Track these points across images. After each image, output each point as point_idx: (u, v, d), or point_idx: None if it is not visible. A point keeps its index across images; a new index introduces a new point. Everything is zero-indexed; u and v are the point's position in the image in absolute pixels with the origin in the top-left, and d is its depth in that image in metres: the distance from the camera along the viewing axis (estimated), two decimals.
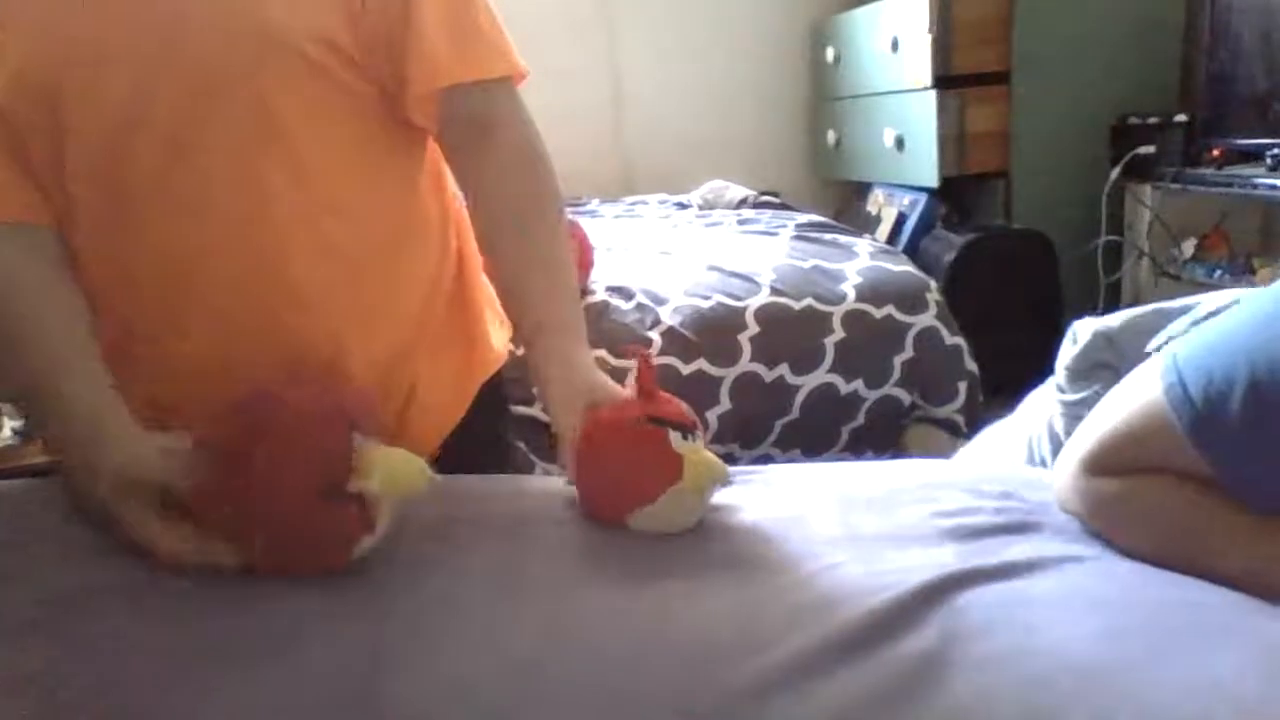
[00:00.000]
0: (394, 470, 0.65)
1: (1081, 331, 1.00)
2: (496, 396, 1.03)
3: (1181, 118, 2.26)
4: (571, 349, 0.78)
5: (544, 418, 1.70)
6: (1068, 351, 1.01)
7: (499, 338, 1.02)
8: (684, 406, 0.71)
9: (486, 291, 1.01)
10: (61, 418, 0.73)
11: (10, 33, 0.73)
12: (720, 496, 0.71)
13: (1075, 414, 1.01)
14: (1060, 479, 0.67)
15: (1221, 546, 0.59)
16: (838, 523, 0.67)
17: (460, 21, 0.82)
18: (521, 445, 1.55)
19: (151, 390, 0.79)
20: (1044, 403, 1.06)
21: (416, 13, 0.79)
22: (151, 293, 0.79)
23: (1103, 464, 0.64)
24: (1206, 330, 0.63)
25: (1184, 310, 0.93)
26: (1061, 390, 1.02)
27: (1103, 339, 0.97)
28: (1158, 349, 0.91)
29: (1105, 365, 0.97)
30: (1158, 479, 0.62)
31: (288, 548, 0.63)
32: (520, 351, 1.71)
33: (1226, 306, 0.88)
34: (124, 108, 0.73)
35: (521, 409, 1.68)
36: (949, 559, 0.60)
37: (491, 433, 1.02)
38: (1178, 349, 0.63)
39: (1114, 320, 0.97)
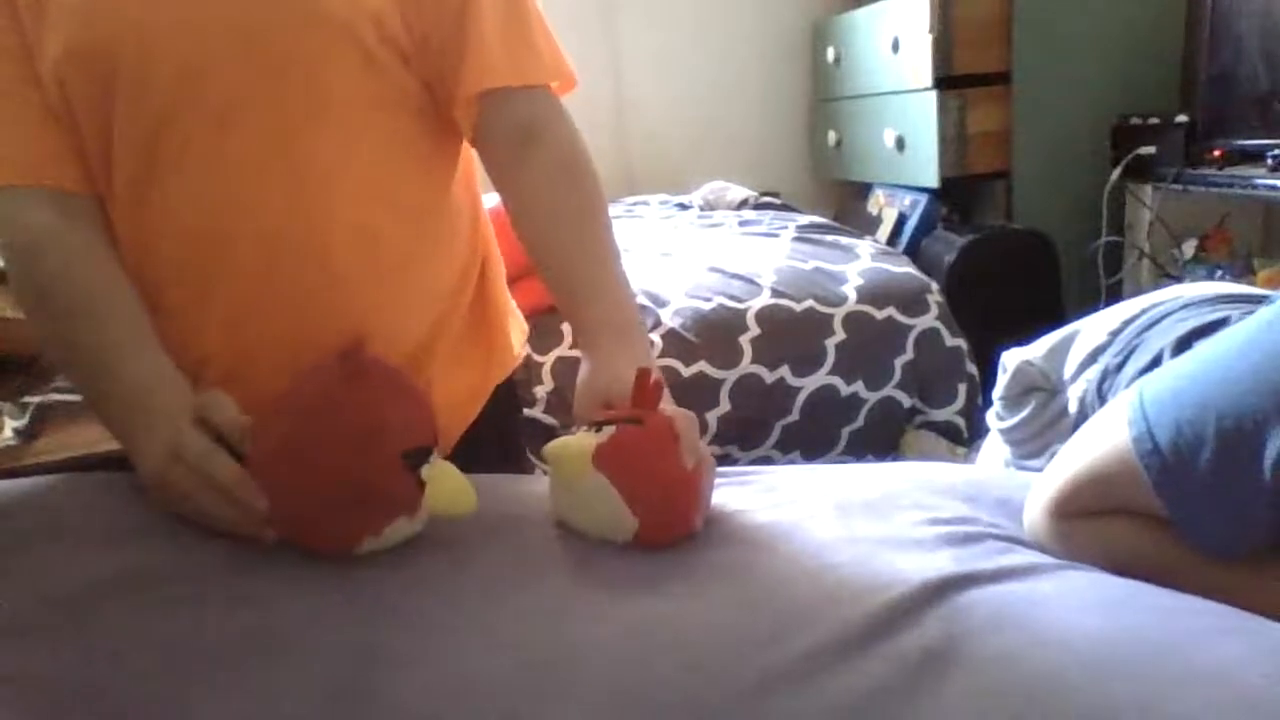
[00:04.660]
0: (452, 484, 0.68)
1: (1009, 362, 1.05)
2: (510, 398, 1.03)
3: (1182, 118, 2.26)
4: (610, 346, 0.77)
5: (545, 419, 1.71)
6: (1000, 381, 1.06)
7: (516, 340, 1.02)
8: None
9: (506, 294, 1.01)
10: (131, 393, 0.73)
11: (63, 9, 0.74)
12: (720, 499, 0.71)
13: (1012, 438, 1.05)
14: (1030, 516, 0.68)
15: (1188, 582, 0.59)
16: (836, 525, 0.67)
17: (515, 26, 0.83)
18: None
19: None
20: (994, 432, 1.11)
21: (474, 12, 0.79)
22: (180, 267, 0.79)
23: (1069, 507, 0.65)
24: (1174, 373, 0.63)
25: (1074, 335, 0.97)
26: (1000, 417, 1.07)
27: (1028, 366, 1.02)
28: (1073, 375, 0.94)
29: (1035, 389, 1.02)
30: (1124, 520, 0.63)
31: (348, 496, 0.63)
32: (523, 352, 1.71)
33: (1121, 327, 0.90)
34: (174, 84, 0.74)
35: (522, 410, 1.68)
36: (947, 563, 0.60)
37: (503, 434, 1.02)
38: (1145, 390, 0.63)
39: (1037, 348, 1.04)
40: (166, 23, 0.74)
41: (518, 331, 1.04)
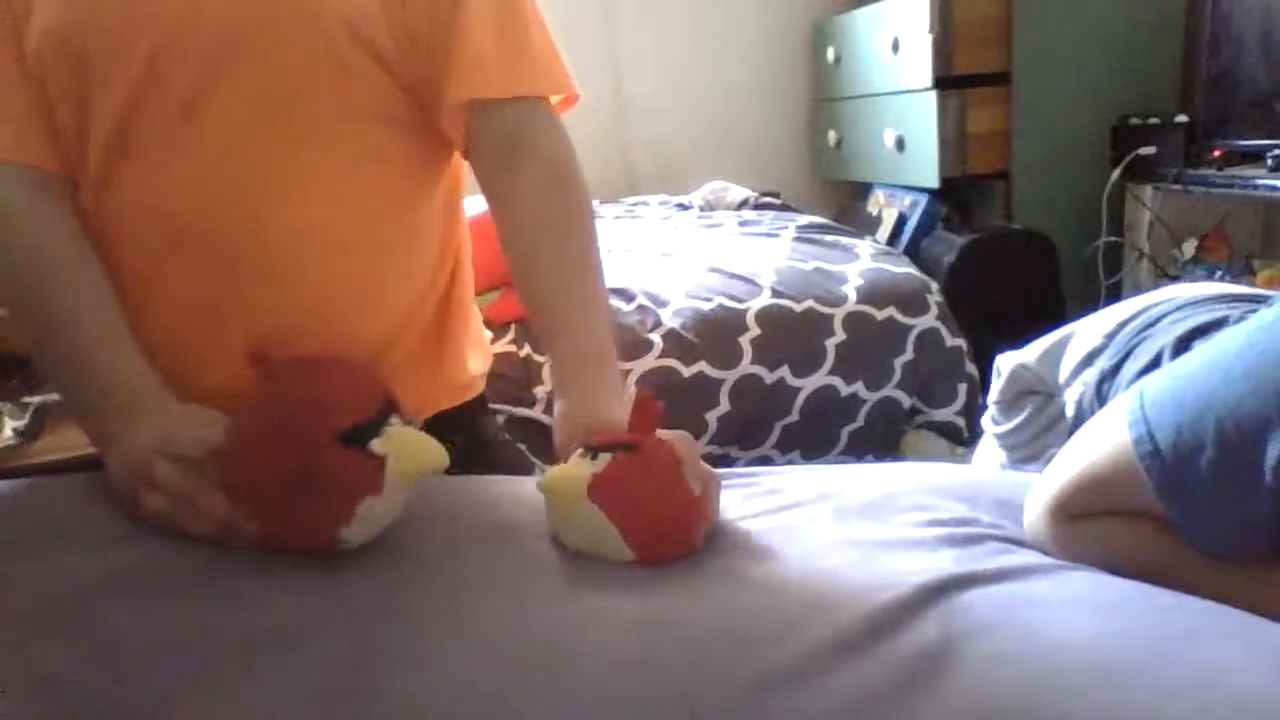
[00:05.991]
0: (413, 446, 0.66)
1: (1004, 365, 1.04)
2: (471, 424, 0.99)
3: (1182, 118, 2.26)
4: (588, 380, 0.75)
5: (544, 419, 1.71)
6: (995, 386, 1.06)
7: (476, 365, 1.00)
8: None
9: (472, 319, 0.99)
10: (101, 389, 0.73)
11: None
12: (721, 500, 0.71)
13: (1009, 442, 1.05)
14: (1030, 517, 0.68)
15: (1188, 583, 0.59)
16: (836, 527, 0.67)
17: (509, 32, 0.80)
18: (522, 447, 1.55)
19: None
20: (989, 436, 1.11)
21: (463, 18, 0.77)
22: (138, 250, 0.79)
23: (1070, 509, 0.65)
24: (1173, 375, 0.63)
25: (1068, 337, 0.97)
26: (996, 421, 1.06)
27: (1023, 370, 1.01)
28: (1069, 378, 0.94)
29: (1031, 392, 1.01)
30: (1125, 521, 0.63)
31: (301, 489, 0.63)
32: (522, 352, 1.69)
33: (1117, 329, 0.90)
34: (143, 70, 0.75)
35: (521, 410, 1.68)
36: (947, 564, 0.60)
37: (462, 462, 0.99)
38: (1145, 392, 0.63)
39: (1031, 351, 1.03)
40: (141, 9, 0.74)
41: (479, 359, 1.01)
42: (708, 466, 0.68)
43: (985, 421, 1.10)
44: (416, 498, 0.68)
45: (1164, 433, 0.59)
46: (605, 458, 0.66)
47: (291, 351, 0.69)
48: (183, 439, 0.67)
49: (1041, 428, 1.01)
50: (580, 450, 0.69)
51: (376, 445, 0.64)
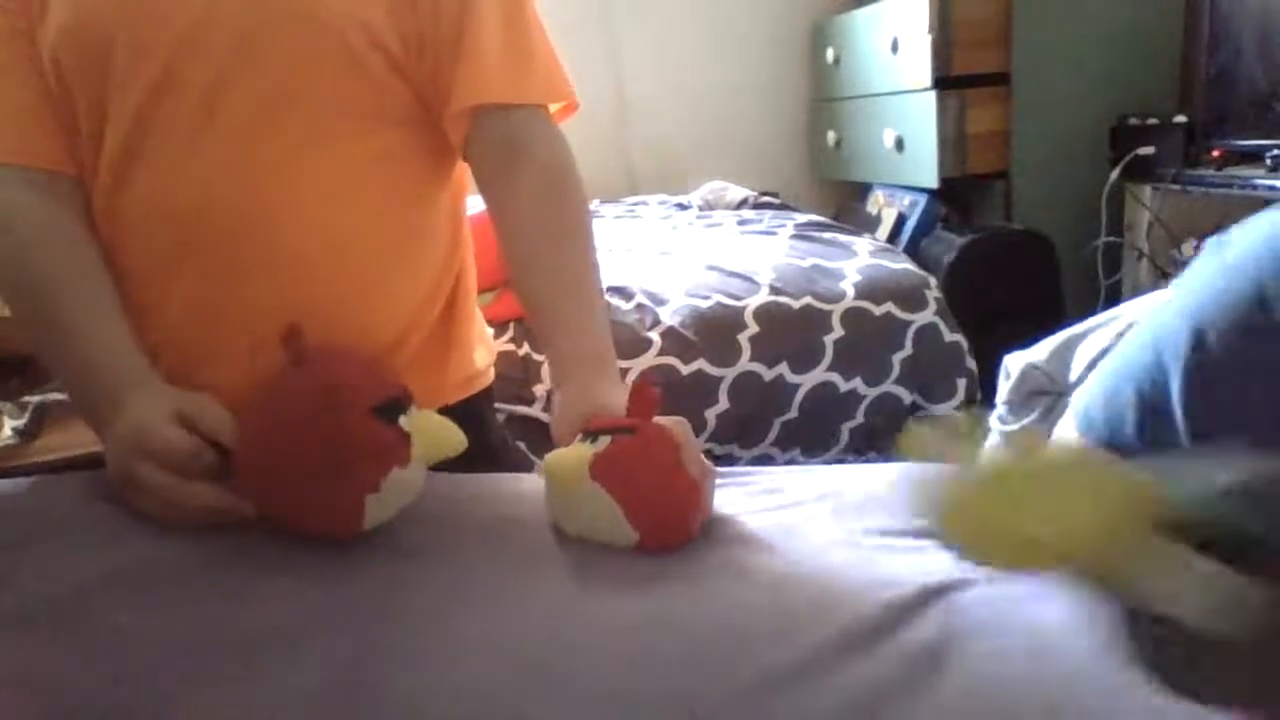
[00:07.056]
0: (434, 427, 0.69)
1: (1012, 365, 1.04)
2: (477, 419, 0.99)
3: (1181, 119, 2.26)
4: (587, 375, 0.76)
5: (543, 417, 1.71)
6: (1003, 386, 1.05)
7: (481, 359, 1.00)
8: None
9: (475, 315, 1.00)
10: (99, 386, 0.74)
11: None
12: (721, 499, 0.71)
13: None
14: None
15: None
16: (836, 527, 0.67)
17: (513, 39, 0.81)
18: (521, 445, 1.55)
19: None
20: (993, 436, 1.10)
21: (472, 24, 0.78)
22: (149, 251, 0.80)
23: None
24: (1102, 365, 0.67)
25: (1092, 330, 0.97)
26: (1004, 422, 1.06)
27: (1033, 370, 1.01)
28: (1081, 376, 0.94)
29: (1041, 393, 1.01)
30: None
31: (330, 464, 0.64)
32: (521, 351, 1.69)
33: (1129, 330, 0.90)
34: (162, 71, 0.75)
35: (521, 409, 1.68)
36: (946, 564, 0.60)
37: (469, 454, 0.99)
38: (1087, 389, 0.66)
39: (1041, 350, 1.02)
40: (161, 10, 0.74)
41: (485, 353, 1.02)
42: (704, 458, 0.68)
43: (992, 421, 1.10)
44: (418, 497, 0.69)
45: (1096, 413, 0.62)
46: (605, 440, 0.66)
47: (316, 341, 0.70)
48: (155, 443, 0.67)
49: (1052, 427, 1.01)
50: (580, 435, 0.69)
51: (403, 422, 0.67)
